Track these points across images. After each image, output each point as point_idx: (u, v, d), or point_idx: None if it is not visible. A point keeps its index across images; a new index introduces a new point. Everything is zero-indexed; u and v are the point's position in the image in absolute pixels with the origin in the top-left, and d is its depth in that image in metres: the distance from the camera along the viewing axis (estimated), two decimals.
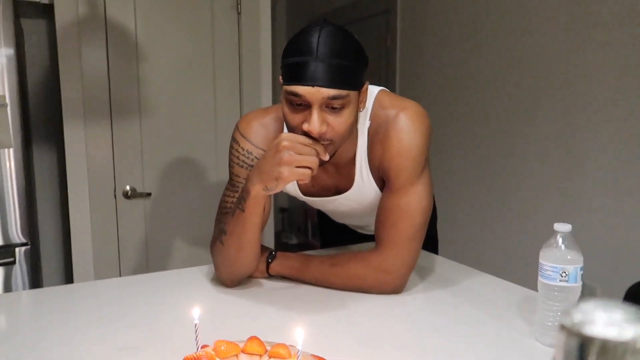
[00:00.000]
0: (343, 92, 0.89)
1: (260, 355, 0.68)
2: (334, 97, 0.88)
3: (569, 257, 0.78)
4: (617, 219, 1.97)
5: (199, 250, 2.39)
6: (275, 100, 2.54)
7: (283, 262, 1.11)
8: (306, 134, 0.91)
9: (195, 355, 0.63)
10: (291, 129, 0.94)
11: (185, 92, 2.31)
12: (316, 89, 0.87)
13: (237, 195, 1.06)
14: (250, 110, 2.39)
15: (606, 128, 1.98)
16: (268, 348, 0.69)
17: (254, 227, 1.01)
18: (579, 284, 0.79)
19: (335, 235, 1.45)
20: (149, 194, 2.28)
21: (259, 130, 1.09)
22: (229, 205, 1.08)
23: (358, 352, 0.83)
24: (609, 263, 2.00)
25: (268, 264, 1.11)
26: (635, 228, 1.92)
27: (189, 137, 2.34)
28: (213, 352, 0.66)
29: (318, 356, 0.71)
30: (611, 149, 1.96)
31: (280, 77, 0.93)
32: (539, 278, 0.81)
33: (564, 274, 0.78)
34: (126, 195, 2.25)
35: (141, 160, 2.26)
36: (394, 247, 1.01)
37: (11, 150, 1.84)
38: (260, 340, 0.70)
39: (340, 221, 1.35)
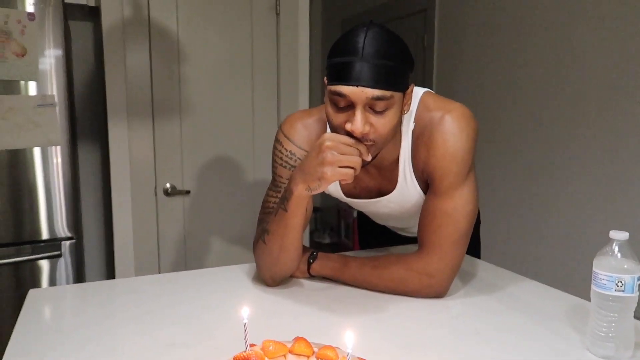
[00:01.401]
0: (387, 93, 0.88)
1: (308, 357, 0.69)
2: (378, 98, 0.88)
3: (625, 267, 0.76)
4: None
5: (237, 247, 2.42)
6: (312, 101, 2.55)
7: (324, 263, 1.11)
8: (349, 135, 0.91)
9: (245, 355, 0.64)
10: (334, 129, 0.94)
11: (224, 93, 2.35)
12: (360, 89, 0.87)
13: (279, 195, 1.07)
14: (287, 111, 2.42)
15: None
16: (315, 349, 0.69)
17: (296, 227, 1.01)
18: (636, 294, 0.76)
19: (375, 236, 1.45)
20: (188, 192, 2.33)
21: (302, 132, 1.09)
22: (272, 205, 1.09)
23: (401, 356, 0.82)
24: None
25: (309, 264, 1.12)
26: None
27: (228, 137, 2.38)
28: (261, 352, 0.67)
29: (364, 359, 0.71)
30: None
31: (325, 78, 0.94)
32: (593, 287, 0.79)
33: (619, 284, 0.75)
34: (166, 193, 2.30)
35: (181, 158, 2.31)
36: (438, 251, 1.00)
37: (58, 147, 1.91)
38: (308, 342, 0.70)
39: (382, 223, 1.34)
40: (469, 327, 0.93)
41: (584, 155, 2.18)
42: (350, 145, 0.90)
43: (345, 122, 0.90)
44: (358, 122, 0.88)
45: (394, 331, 0.91)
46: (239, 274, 1.19)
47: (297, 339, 0.70)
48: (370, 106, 0.89)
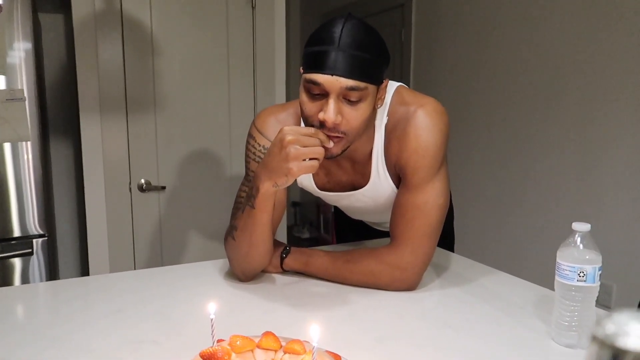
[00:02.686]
0: (361, 84, 0.89)
1: (276, 351, 0.69)
2: (352, 88, 0.88)
3: (587, 257, 0.77)
4: (635, 216, 1.94)
5: (213, 243, 2.41)
6: (288, 95, 2.54)
7: (297, 258, 1.11)
8: (322, 124, 0.91)
9: (211, 350, 0.64)
10: (306, 118, 0.94)
11: (199, 87, 2.33)
12: (335, 78, 0.87)
13: None
14: (264, 104, 2.41)
15: (625, 124, 1.94)
16: (283, 344, 0.69)
17: (264, 224, 1.01)
18: (597, 284, 0.78)
19: (351, 231, 1.45)
20: (163, 188, 2.30)
21: (275, 126, 1.08)
22: (243, 200, 1.08)
23: (373, 348, 0.83)
24: (626, 262, 1.97)
25: (282, 259, 1.12)
26: None
27: (204, 131, 2.36)
28: (229, 347, 0.66)
29: (333, 352, 0.71)
30: (630, 145, 1.93)
31: (301, 67, 0.94)
32: (556, 277, 0.80)
33: (581, 274, 0.77)
34: (141, 189, 2.27)
35: (156, 153, 2.28)
36: (410, 245, 1.01)
37: (29, 143, 1.87)
38: (276, 336, 0.70)
39: (356, 217, 1.34)
40: (440, 319, 0.94)
41: (553, 149, 2.23)
42: (311, 136, 0.90)
43: (318, 111, 0.90)
44: (331, 112, 0.89)
45: (366, 323, 0.92)
46: (212, 270, 1.19)
47: (265, 334, 0.70)
48: (344, 96, 0.89)
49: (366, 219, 1.35)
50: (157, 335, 0.86)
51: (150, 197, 2.30)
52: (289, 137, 0.88)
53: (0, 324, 0.91)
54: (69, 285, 1.14)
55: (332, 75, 0.87)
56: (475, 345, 0.84)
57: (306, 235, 4.38)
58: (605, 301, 1.99)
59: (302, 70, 0.93)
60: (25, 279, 1.94)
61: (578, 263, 0.77)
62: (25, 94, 1.83)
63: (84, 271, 2.50)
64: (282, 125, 1.08)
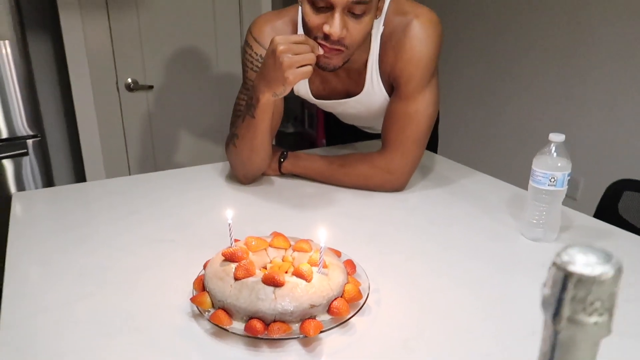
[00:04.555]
0: None
1: (286, 249, 0.79)
2: (358, 2, 0.90)
3: (559, 165, 0.87)
4: (609, 119, 2.04)
5: (205, 143, 2.46)
6: None
7: (294, 162, 1.19)
8: (326, 36, 0.93)
9: (232, 250, 0.73)
10: (308, 30, 0.96)
11: None
12: None
13: None
14: (249, 2, 2.32)
15: (608, 35, 1.96)
16: (292, 243, 0.80)
17: (264, 131, 1.07)
18: (565, 188, 0.89)
19: (341, 134, 1.52)
20: (151, 87, 2.29)
21: (271, 35, 1.09)
22: (243, 109, 1.13)
23: (367, 243, 0.94)
24: (595, 159, 2.12)
25: (280, 163, 1.19)
26: (625, 127, 2.01)
27: (188, 28, 2.29)
28: (245, 247, 0.76)
29: (334, 249, 0.82)
30: (611, 52, 1.97)
31: None
32: (530, 182, 0.91)
33: (552, 180, 0.87)
34: (129, 88, 2.26)
35: (141, 51, 2.24)
36: (400, 150, 1.09)
37: (7, 41, 1.81)
38: (285, 236, 0.80)
39: (348, 122, 1.41)
40: (424, 216, 1.05)
41: (541, 57, 2.25)
42: (302, 43, 0.92)
43: (322, 23, 0.92)
44: (336, 26, 0.91)
45: (359, 222, 1.02)
46: (212, 173, 1.26)
47: (275, 234, 0.80)
48: (349, 10, 0.91)
49: (358, 124, 1.42)
50: (175, 235, 0.96)
51: (139, 97, 2.30)
52: (280, 47, 0.91)
53: (23, 227, 0.99)
54: (81, 189, 1.22)
55: None
56: (454, 236, 0.96)
57: (290, 130, 4.44)
58: (573, 194, 2.17)
59: None
60: (19, 180, 1.98)
61: (550, 170, 0.87)
62: None
63: (78, 172, 2.56)
64: (278, 33, 1.10)
